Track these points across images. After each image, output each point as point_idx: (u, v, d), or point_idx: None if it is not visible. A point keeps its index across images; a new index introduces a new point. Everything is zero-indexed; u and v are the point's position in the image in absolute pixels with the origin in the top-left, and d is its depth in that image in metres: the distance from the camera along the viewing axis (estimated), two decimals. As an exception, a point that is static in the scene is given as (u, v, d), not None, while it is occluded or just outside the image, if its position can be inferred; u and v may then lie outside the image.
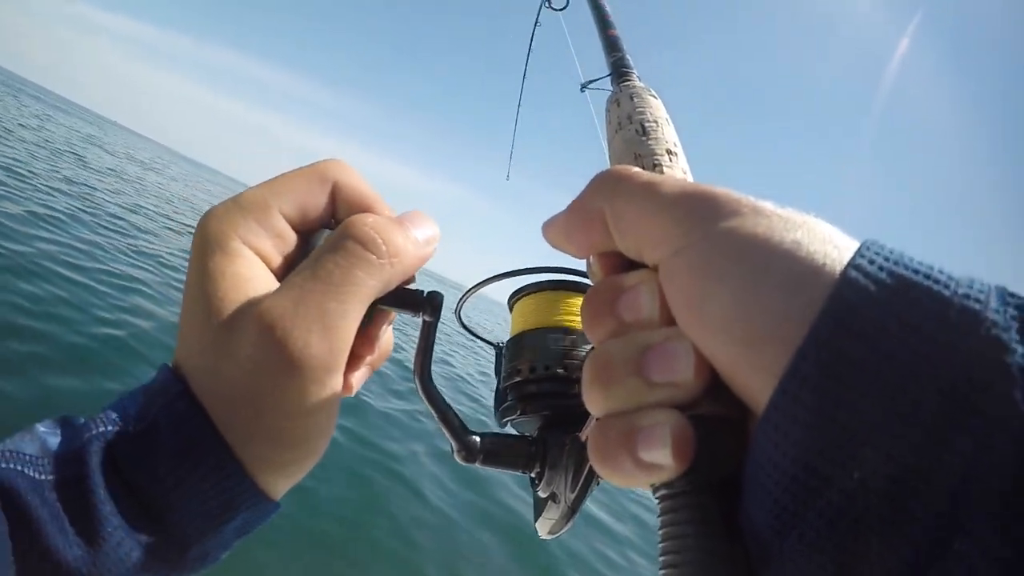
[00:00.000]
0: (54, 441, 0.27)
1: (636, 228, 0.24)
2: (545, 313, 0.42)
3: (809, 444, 0.18)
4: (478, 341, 0.51)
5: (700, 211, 0.22)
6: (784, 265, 0.20)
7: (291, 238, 0.32)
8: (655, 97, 0.39)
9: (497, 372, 0.44)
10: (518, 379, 0.40)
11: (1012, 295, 0.18)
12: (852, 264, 0.19)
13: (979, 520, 0.15)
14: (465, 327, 0.50)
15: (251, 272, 0.30)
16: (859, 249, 0.19)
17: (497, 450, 0.37)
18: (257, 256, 0.31)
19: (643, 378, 0.22)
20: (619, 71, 0.46)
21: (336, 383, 0.29)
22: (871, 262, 0.19)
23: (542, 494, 0.39)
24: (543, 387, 0.40)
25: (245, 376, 0.28)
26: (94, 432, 0.27)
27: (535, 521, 0.41)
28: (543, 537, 0.41)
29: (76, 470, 0.26)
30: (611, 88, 0.44)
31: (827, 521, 0.17)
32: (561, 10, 0.93)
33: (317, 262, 0.29)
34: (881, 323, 0.17)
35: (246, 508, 0.30)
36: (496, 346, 0.46)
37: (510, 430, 0.42)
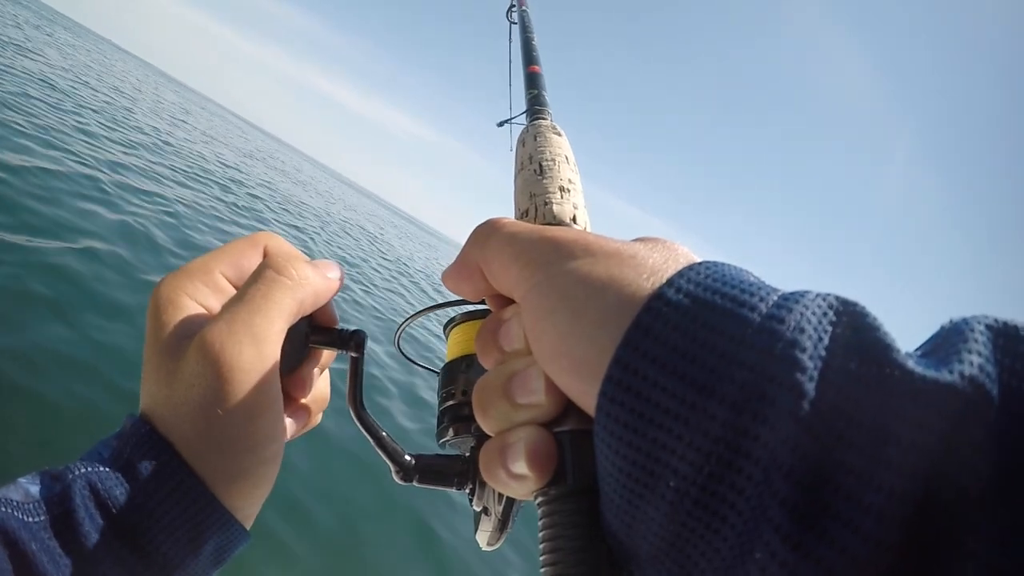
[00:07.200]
0: (35, 489, 0.30)
1: (501, 274, 0.28)
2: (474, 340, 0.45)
3: (627, 456, 0.20)
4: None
5: (543, 256, 0.26)
6: (598, 300, 0.22)
7: (231, 292, 0.37)
8: (559, 135, 0.42)
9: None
10: (451, 402, 0.43)
11: (847, 306, 0.19)
12: (655, 294, 0.21)
13: (769, 532, 0.16)
14: (405, 356, 0.53)
15: (196, 318, 0.35)
16: (671, 277, 0.21)
17: (431, 469, 0.40)
18: (202, 307, 0.36)
19: (510, 400, 0.25)
20: (533, 108, 0.49)
21: (272, 389, 0.34)
22: (678, 289, 0.21)
23: (476, 508, 0.41)
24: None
25: (193, 392, 0.32)
26: (77, 473, 0.31)
27: (475, 534, 0.43)
28: (484, 548, 0.43)
29: (64, 508, 0.30)
30: (524, 123, 0.47)
31: (660, 526, 0.19)
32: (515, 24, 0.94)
33: (243, 291, 0.35)
34: (673, 345, 0.19)
35: (216, 526, 0.33)
36: (437, 373, 0.49)
37: (450, 450, 0.45)
